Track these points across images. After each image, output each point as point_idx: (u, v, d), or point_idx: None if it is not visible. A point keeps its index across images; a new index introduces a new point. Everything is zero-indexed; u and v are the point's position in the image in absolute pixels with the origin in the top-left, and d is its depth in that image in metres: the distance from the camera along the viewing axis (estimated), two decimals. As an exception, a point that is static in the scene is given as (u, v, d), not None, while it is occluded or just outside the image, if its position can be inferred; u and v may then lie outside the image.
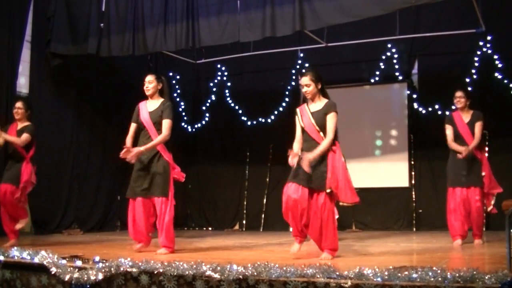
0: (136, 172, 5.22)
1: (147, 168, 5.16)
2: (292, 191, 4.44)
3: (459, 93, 6.09)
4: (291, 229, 4.92)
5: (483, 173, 5.89)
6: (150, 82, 5.36)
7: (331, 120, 4.54)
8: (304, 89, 4.66)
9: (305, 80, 4.65)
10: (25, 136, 5.93)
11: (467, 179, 5.89)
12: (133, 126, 5.40)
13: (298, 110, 4.76)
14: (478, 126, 5.94)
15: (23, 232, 6.17)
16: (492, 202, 5.93)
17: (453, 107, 6.32)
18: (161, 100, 5.36)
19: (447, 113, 6.74)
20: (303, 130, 4.68)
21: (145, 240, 5.26)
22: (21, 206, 6.00)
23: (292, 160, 4.50)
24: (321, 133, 4.54)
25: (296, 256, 4.54)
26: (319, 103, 4.65)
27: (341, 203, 4.50)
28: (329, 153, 4.49)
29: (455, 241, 5.84)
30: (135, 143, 5.35)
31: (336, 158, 4.48)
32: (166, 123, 5.22)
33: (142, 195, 5.17)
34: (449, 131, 6.06)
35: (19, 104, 6.16)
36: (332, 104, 4.62)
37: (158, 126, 5.23)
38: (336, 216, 4.99)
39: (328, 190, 4.40)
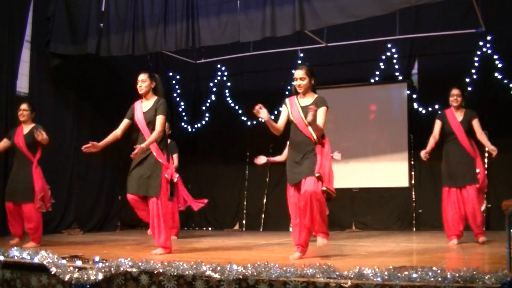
0: (131, 172, 5.20)
1: (140, 168, 5.12)
2: (293, 198, 4.59)
3: (456, 91, 6.01)
4: (291, 228, 4.92)
5: (478, 170, 5.86)
6: (143, 81, 5.27)
7: (322, 113, 4.52)
8: (298, 82, 4.62)
9: (300, 73, 4.61)
10: (46, 136, 5.90)
11: (461, 178, 5.87)
12: (124, 122, 5.34)
13: (287, 100, 4.72)
14: (476, 123, 5.93)
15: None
16: (484, 202, 5.86)
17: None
18: (155, 98, 5.28)
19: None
20: (289, 122, 4.67)
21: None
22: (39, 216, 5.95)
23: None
24: (310, 127, 4.51)
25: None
26: (309, 98, 4.63)
27: (323, 188, 4.44)
28: (317, 147, 4.51)
29: (450, 241, 5.85)
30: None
31: (324, 153, 4.51)
32: (159, 119, 5.14)
33: (135, 192, 5.11)
34: (437, 127, 6.05)
35: (24, 106, 6.11)
36: (323, 99, 4.62)
37: (151, 126, 5.17)
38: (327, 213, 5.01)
39: (317, 174, 4.41)
